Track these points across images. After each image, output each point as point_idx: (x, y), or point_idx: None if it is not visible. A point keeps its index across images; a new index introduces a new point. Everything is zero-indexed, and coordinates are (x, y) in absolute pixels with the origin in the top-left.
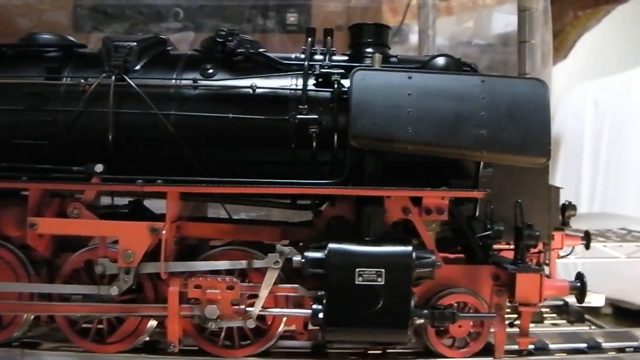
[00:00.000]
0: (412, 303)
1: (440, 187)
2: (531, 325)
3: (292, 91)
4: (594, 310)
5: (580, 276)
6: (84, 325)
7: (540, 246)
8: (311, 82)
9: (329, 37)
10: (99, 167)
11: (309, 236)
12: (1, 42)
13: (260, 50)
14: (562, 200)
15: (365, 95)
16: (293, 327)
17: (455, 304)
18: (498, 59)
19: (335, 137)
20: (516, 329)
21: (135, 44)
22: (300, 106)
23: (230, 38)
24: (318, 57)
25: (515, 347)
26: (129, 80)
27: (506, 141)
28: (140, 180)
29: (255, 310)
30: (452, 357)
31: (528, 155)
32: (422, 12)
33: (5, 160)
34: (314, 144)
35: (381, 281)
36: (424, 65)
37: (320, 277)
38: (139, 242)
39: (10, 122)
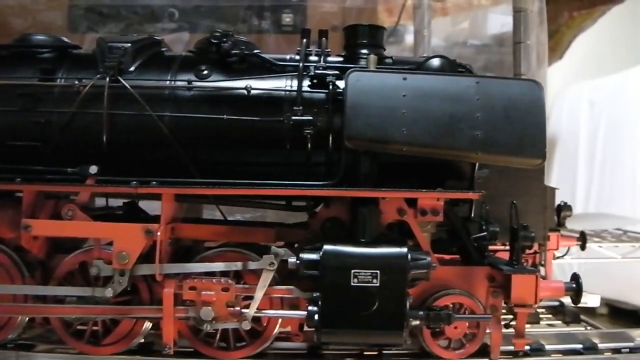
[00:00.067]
0: (408, 304)
1: (435, 189)
2: (527, 326)
3: (287, 92)
4: (590, 311)
5: (575, 277)
6: (78, 327)
7: (535, 247)
8: (306, 83)
9: (323, 38)
10: (93, 169)
11: (304, 237)
12: None
13: (255, 51)
14: (557, 201)
15: (360, 97)
16: (288, 329)
17: (451, 305)
18: (493, 59)
19: (330, 138)
20: (512, 330)
21: (129, 45)
22: (295, 107)
23: (225, 39)
24: (313, 58)
25: (511, 348)
26: (123, 81)
27: (501, 142)
28: (134, 182)
29: (251, 311)
30: (448, 359)
31: (523, 157)
32: (418, 12)
33: None
34: (309, 145)
35: (376, 282)
36: (419, 66)
37: (316, 279)
38: (134, 244)
39: (4, 123)
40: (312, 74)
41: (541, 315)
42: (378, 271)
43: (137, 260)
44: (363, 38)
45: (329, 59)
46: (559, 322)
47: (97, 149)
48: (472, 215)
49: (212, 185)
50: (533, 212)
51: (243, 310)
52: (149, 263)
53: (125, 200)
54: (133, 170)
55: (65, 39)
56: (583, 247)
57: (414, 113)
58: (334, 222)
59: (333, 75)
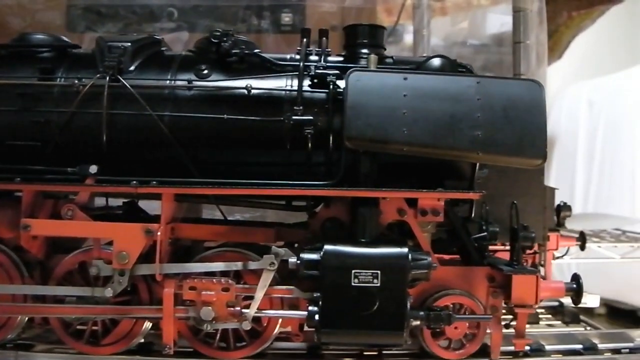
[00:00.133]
0: (408, 305)
1: (435, 189)
2: (527, 326)
3: (287, 92)
4: (588, 311)
5: (576, 277)
6: (78, 327)
7: (535, 247)
8: (306, 83)
9: (324, 38)
10: (93, 168)
11: (304, 237)
12: None
13: (255, 50)
14: (557, 201)
15: (360, 97)
16: (288, 329)
17: (451, 306)
18: (493, 59)
19: (331, 138)
20: (512, 331)
21: (129, 44)
22: (295, 107)
23: (225, 39)
24: (313, 57)
25: (511, 348)
26: (123, 81)
27: (502, 142)
28: (134, 182)
29: (251, 311)
30: (448, 359)
31: (524, 157)
32: (417, 12)
33: None
34: (309, 145)
35: (377, 283)
36: (419, 66)
37: (316, 279)
38: (134, 244)
39: (3, 123)
40: (313, 73)
41: (540, 316)
42: (379, 271)
43: (137, 260)
44: (363, 38)
45: (329, 58)
46: (559, 322)
47: (96, 148)
48: (472, 215)
49: (212, 185)
50: (533, 212)
51: (243, 311)
52: (148, 263)
53: (125, 200)
54: (133, 170)
55: (65, 39)
56: (582, 247)
57: (415, 113)
58: (334, 222)
59: (333, 75)
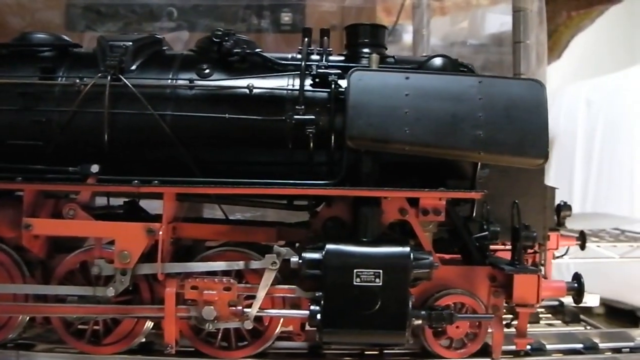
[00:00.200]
0: (410, 304)
1: (437, 188)
2: (528, 325)
3: (289, 91)
4: (587, 310)
5: (577, 277)
6: (79, 327)
7: (535, 247)
8: (308, 82)
9: (325, 37)
10: (94, 168)
11: (305, 237)
12: None
13: (257, 50)
14: (557, 201)
15: (362, 96)
16: (290, 328)
17: (453, 305)
18: (492, 59)
19: (332, 137)
20: (513, 330)
21: (130, 43)
22: (297, 107)
23: (226, 38)
24: (315, 57)
25: (513, 347)
26: (124, 80)
27: (503, 142)
28: (136, 181)
29: (253, 311)
30: (450, 358)
31: (525, 156)
32: (417, 12)
33: None
34: (311, 144)
35: (379, 282)
36: (421, 65)
37: (318, 278)
38: (136, 243)
39: (4, 122)
40: (314, 73)
41: (541, 315)
42: (380, 271)
43: (139, 259)
44: (365, 37)
45: (331, 58)
46: (559, 321)
47: (98, 148)
48: (474, 214)
49: (214, 184)
50: (533, 212)
51: (245, 310)
52: (150, 262)
53: (126, 200)
54: (134, 170)
55: (66, 38)
56: (583, 247)
57: (416, 112)
58: (335, 222)
59: (335, 74)
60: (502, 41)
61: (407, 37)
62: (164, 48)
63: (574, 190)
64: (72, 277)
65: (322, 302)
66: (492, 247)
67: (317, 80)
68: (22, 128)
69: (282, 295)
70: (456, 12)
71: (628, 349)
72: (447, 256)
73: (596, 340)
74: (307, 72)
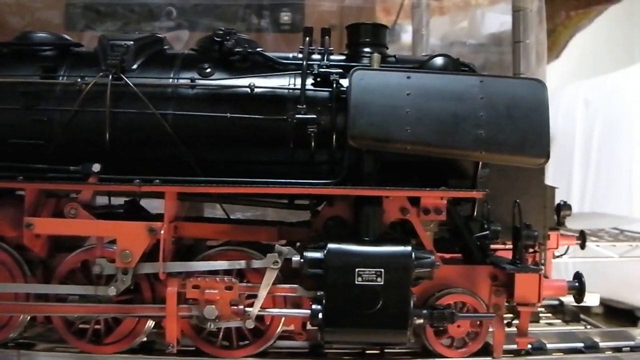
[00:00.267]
0: (412, 303)
1: (438, 187)
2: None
3: (291, 91)
4: (586, 310)
5: (578, 276)
6: (80, 326)
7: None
8: (309, 81)
9: (326, 37)
10: (96, 167)
11: (307, 236)
12: None
13: (258, 49)
14: (557, 200)
15: (363, 95)
16: (291, 328)
17: (454, 304)
18: (492, 58)
19: (334, 137)
20: (514, 329)
21: (132, 42)
22: (298, 106)
23: (227, 37)
24: (316, 56)
25: (514, 346)
26: (126, 79)
27: (505, 141)
28: (137, 180)
29: (254, 310)
30: (451, 357)
31: (527, 156)
32: (416, 12)
33: (0, 159)
34: (312, 143)
35: (380, 281)
36: (422, 65)
37: (319, 277)
38: (137, 242)
39: (6, 121)
40: (316, 72)
41: (541, 314)
42: (382, 270)
43: (140, 258)
44: (366, 37)
45: (332, 57)
46: (559, 321)
47: (99, 147)
48: (475, 214)
49: (215, 183)
50: (533, 211)
51: (246, 309)
52: (151, 262)
53: (127, 199)
54: (135, 169)
55: (67, 37)
56: (583, 246)
57: (418, 112)
58: (337, 221)
59: (337, 73)
60: (502, 41)
61: (406, 37)
62: (165, 47)
63: (572, 190)
64: (73, 276)
65: (323, 301)
66: (492, 246)
67: (318, 79)
68: (24, 127)
69: (283, 294)
70: (455, 12)
71: (628, 348)
72: (448, 255)
73: (597, 339)
74: (308, 72)
